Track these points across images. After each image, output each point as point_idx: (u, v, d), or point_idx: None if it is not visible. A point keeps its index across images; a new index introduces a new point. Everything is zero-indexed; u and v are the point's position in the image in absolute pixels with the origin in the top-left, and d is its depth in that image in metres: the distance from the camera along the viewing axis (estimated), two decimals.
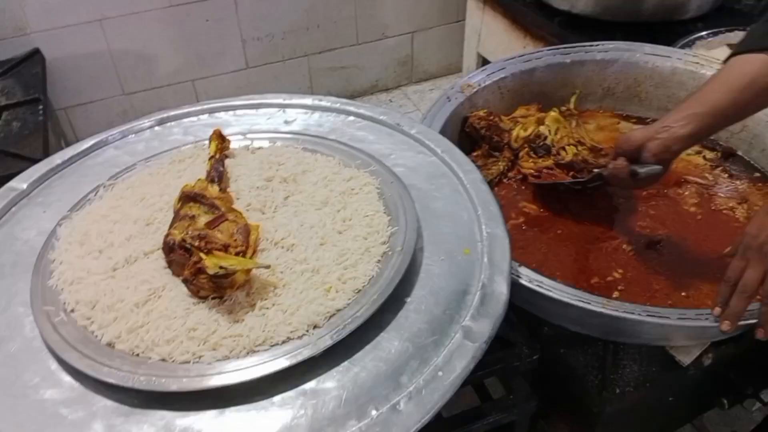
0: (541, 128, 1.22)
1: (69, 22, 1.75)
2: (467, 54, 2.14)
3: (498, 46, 1.93)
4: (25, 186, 0.96)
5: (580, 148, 1.17)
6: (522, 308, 0.98)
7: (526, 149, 1.22)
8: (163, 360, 0.69)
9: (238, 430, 0.64)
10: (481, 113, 1.23)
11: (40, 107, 1.53)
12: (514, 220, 1.13)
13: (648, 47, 1.30)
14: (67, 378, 0.69)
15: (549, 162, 1.17)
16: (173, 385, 0.66)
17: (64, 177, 0.99)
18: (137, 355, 0.70)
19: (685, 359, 0.92)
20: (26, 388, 0.68)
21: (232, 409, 0.66)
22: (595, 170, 1.07)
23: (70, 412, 0.66)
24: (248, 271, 0.74)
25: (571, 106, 1.28)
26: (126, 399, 0.67)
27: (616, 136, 1.31)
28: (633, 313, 0.81)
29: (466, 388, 1.21)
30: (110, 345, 0.71)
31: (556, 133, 1.20)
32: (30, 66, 1.69)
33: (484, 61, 2.05)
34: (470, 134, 1.24)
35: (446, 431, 0.90)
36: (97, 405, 0.67)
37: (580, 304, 0.83)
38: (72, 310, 0.74)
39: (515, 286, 0.91)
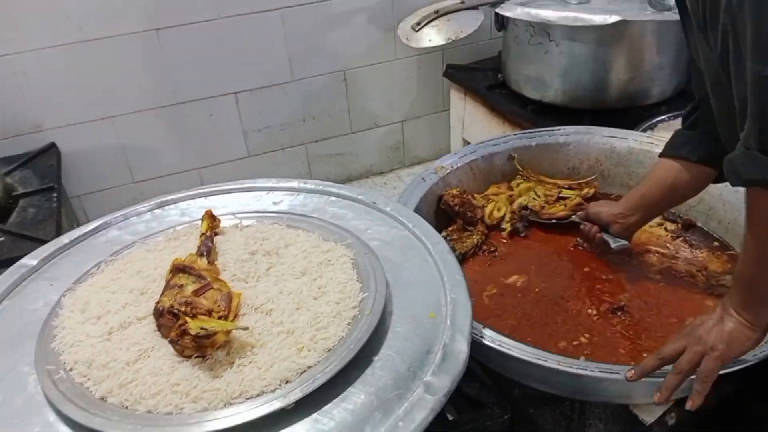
0: (520, 200, 1.36)
1: (82, 119, 1.92)
2: (454, 139, 2.29)
3: (480, 131, 2.08)
4: (35, 262, 1.06)
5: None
6: (494, 371, 1.04)
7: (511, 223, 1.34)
8: (149, 411, 0.75)
9: None
10: (455, 191, 1.34)
11: (54, 195, 1.66)
12: (488, 291, 1.21)
13: (606, 130, 1.42)
14: (64, 428, 0.76)
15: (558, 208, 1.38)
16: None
17: (71, 255, 1.09)
18: (126, 407, 0.76)
19: (648, 418, 0.96)
20: None
21: None
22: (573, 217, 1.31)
23: None
24: (228, 332, 0.82)
25: (517, 166, 1.45)
26: None
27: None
28: (586, 370, 0.87)
29: None
30: (103, 399, 0.78)
31: (535, 198, 1.39)
32: (46, 158, 1.85)
33: None
34: (445, 211, 1.34)
35: None
36: None
37: (538, 362, 0.89)
38: (71, 369, 0.82)
39: (484, 349, 0.98)
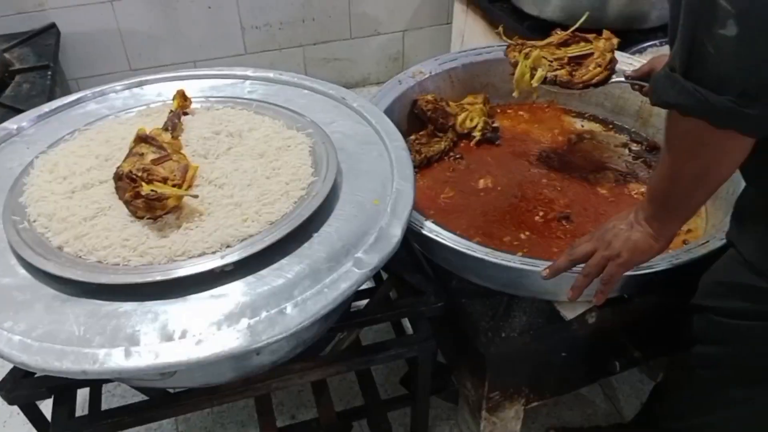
0: (539, 74, 1.23)
1: (83, 1, 1.93)
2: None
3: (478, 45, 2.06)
4: (14, 127, 1.12)
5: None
6: (437, 265, 1.11)
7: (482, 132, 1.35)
8: (99, 261, 0.84)
9: (151, 319, 0.78)
10: (429, 97, 1.36)
11: (49, 73, 1.71)
12: (446, 194, 1.26)
13: None
14: (22, 271, 0.85)
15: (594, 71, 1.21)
16: (102, 278, 0.80)
17: (49, 123, 1.15)
18: (79, 257, 0.84)
19: (569, 314, 1.03)
20: None
21: (149, 302, 0.81)
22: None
23: (20, 295, 0.81)
24: (178, 198, 0.89)
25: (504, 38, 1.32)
26: (65, 289, 0.81)
27: (560, 127, 1.44)
28: (510, 262, 0.94)
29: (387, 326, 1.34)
30: (59, 248, 0.86)
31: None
32: (45, 38, 1.88)
33: None
34: (418, 115, 1.37)
35: (357, 357, 1.03)
36: (41, 292, 0.81)
37: (468, 252, 0.95)
38: (34, 221, 0.90)
39: (426, 240, 1.04)
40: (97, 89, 1.23)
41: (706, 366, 0.98)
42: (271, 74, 1.28)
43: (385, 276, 1.21)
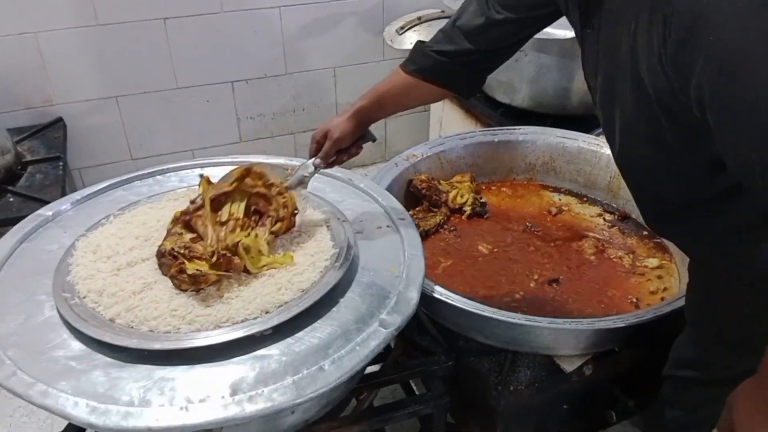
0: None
1: (90, 97, 2.07)
2: (432, 137, 2.47)
3: (456, 131, 2.25)
4: (50, 213, 1.22)
5: None
6: (443, 326, 1.22)
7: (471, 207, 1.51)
8: (151, 330, 0.92)
9: (202, 379, 0.86)
10: (423, 177, 1.51)
11: (60, 163, 1.81)
12: (445, 263, 1.39)
13: (559, 131, 1.61)
14: (77, 343, 0.92)
15: None
16: (156, 345, 0.88)
17: (82, 209, 1.25)
18: (131, 327, 0.93)
19: (568, 367, 1.14)
20: (45, 348, 0.90)
21: (199, 366, 0.89)
22: None
23: (77, 365, 0.88)
24: (217, 274, 0.99)
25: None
26: (121, 357, 0.89)
27: (540, 201, 1.60)
28: (515, 319, 1.05)
29: (397, 387, 1.42)
30: (111, 320, 0.94)
31: None
32: (54, 131, 2.00)
33: None
34: (414, 193, 1.51)
35: (377, 416, 1.11)
36: (98, 360, 0.89)
37: (476, 311, 1.07)
38: (84, 297, 0.98)
39: (434, 303, 1.16)
40: (123, 178, 1.34)
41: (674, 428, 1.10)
42: (282, 160, 1.41)
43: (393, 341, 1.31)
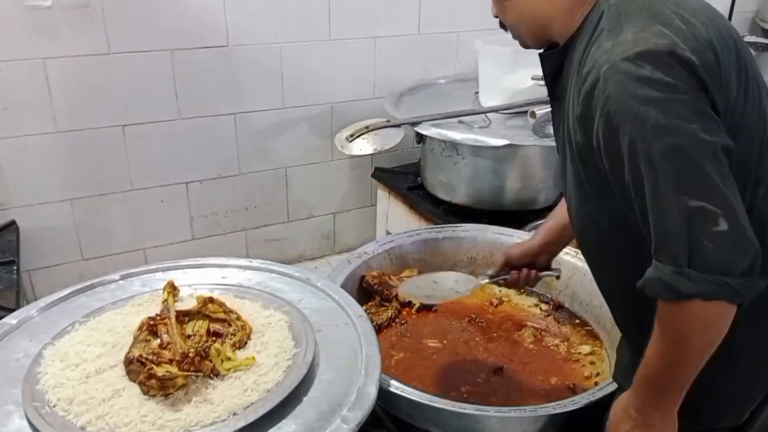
0: None
1: (44, 200, 2.11)
2: (379, 230, 2.61)
3: (401, 224, 2.41)
4: (15, 321, 1.24)
5: None
6: (399, 419, 1.29)
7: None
8: None
9: None
10: (374, 273, 1.62)
11: (14, 267, 1.83)
12: (397, 356, 1.48)
13: (496, 228, 1.77)
14: None
15: None
16: None
17: (46, 317, 1.28)
18: None
19: None
20: None
21: None
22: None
23: None
24: (185, 377, 1.04)
25: None
26: None
27: (482, 294, 1.72)
28: (465, 409, 1.14)
29: None
30: (83, 428, 0.97)
31: None
32: (6, 234, 2.01)
33: None
34: (366, 288, 1.62)
35: None
36: None
37: (429, 404, 1.15)
38: (54, 405, 1.01)
39: (390, 396, 1.23)
40: (86, 284, 1.38)
41: None
42: (241, 261, 1.50)
43: None
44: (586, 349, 1.48)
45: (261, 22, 2.24)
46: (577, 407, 1.16)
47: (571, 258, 1.65)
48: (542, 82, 2.09)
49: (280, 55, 2.30)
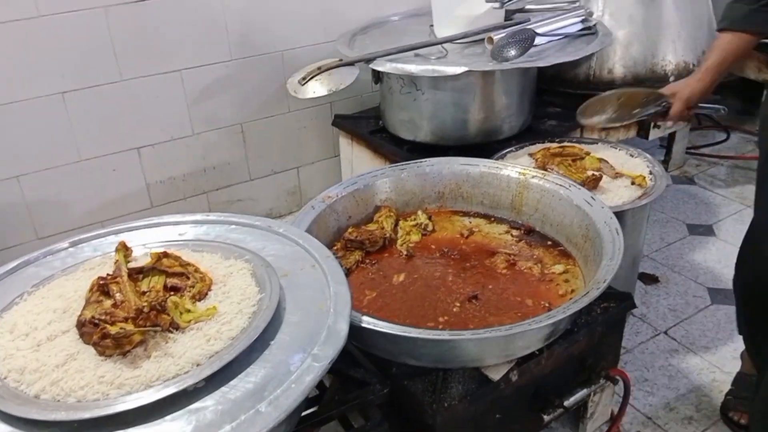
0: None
1: None
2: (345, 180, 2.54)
3: (367, 171, 2.34)
4: None
5: None
6: (375, 356, 1.26)
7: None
8: (79, 401, 0.90)
9: None
10: (351, 230, 1.57)
11: None
12: (369, 296, 1.44)
13: (462, 159, 1.72)
14: (3, 426, 0.89)
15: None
16: (85, 414, 0.87)
17: None
18: (58, 401, 0.91)
19: (495, 376, 1.21)
20: None
21: (134, 429, 0.88)
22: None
23: None
24: (143, 332, 0.99)
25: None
26: None
27: (452, 226, 1.68)
28: (440, 335, 1.11)
29: (335, 424, 1.42)
30: (36, 396, 0.91)
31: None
32: None
33: None
34: (351, 246, 1.55)
35: None
36: None
37: (404, 334, 1.12)
38: (5, 378, 0.95)
39: (364, 333, 1.20)
40: (34, 254, 1.31)
41: None
42: (198, 216, 1.43)
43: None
44: (559, 268, 1.46)
45: None
46: (551, 321, 1.13)
47: (539, 180, 1.62)
48: (497, 4, 2.03)
49: (221, 3, 2.18)
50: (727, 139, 3.35)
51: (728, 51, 1.51)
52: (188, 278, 1.15)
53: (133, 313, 1.01)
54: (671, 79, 2.34)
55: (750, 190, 2.86)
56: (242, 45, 2.29)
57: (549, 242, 1.57)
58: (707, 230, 2.66)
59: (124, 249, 1.24)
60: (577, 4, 2.19)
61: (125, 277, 1.11)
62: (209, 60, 2.24)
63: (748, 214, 2.65)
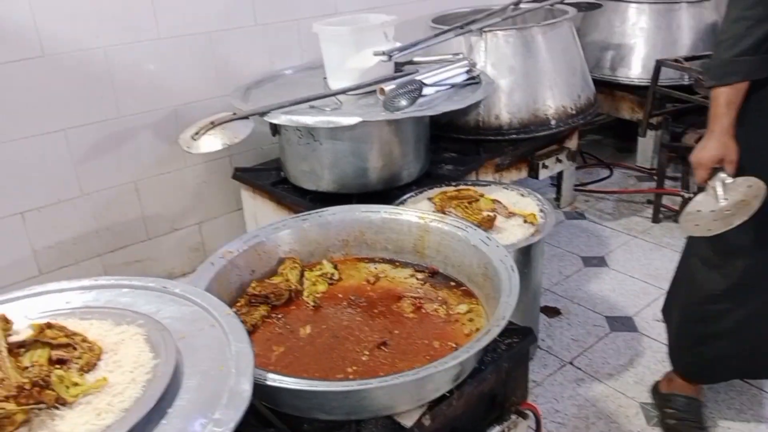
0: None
1: None
2: None
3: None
4: None
5: None
6: (284, 414, 1.21)
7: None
8: None
9: None
10: (253, 284, 1.53)
11: None
12: (276, 351, 1.39)
13: (363, 207, 1.73)
14: None
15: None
16: None
17: None
18: None
19: (407, 422, 1.20)
20: None
21: None
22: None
23: None
24: (26, 411, 0.90)
25: None
26: None
27: (358, 274, 1.68)
28: (349, 386, 1.09)
29: None
30: None
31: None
32: None
33: None
34: (257, 302, 1.50)
35: None
36: None
37: (311, 389, 1.09)
38: None
39: (271, 391, 1.15)
40: None
41: None
42: (85, 282, 1.34)
43: None
44: (463, 308, 1.49)
45: (77, 25, 2.04)
46: (456, 362, 1.15)
47: (438, 224, 1.66)
48: (385, 58, 2.12)
49: (105, 58, 2.12)
50: (610, 176, 3.62)
51: (738, 104, 1.53)
52: (75, 349, 1.08)
53: (14, 390, 0.93)
54: (552, 122, 2.51)
55: (635, 222, 3.10)
56: (131, 100, 2.23)
57: (452, 283, 1.61)
58: (600, 261, 2.83)
59: (3, 322, 1.14)
60: (461, 55, 2.33)
61: (5, 353, 1.02)
62: (95, 118, 2.17)
63: (636, 244, 2.89)
